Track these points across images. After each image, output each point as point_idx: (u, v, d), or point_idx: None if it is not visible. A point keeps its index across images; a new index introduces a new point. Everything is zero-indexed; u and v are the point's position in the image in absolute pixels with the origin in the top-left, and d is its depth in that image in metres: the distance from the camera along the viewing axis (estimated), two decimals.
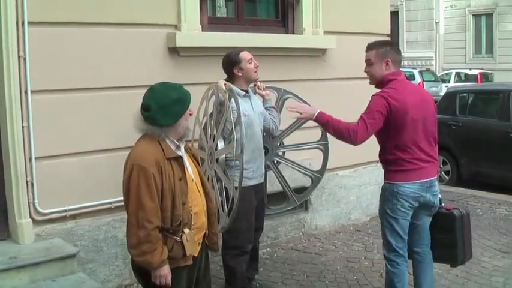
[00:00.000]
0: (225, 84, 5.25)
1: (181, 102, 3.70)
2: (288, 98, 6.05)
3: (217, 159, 5.27)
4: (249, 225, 5.38)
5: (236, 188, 5.02)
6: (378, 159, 7.84)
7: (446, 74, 28.71)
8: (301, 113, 4.82)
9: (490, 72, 27.62)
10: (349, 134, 4.58)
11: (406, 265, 4.82)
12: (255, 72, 5.42)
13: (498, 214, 8.30)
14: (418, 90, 4.95)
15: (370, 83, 4.94)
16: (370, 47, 4.86)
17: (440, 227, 4.83)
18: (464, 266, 6.02)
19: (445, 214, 4.84)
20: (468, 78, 26.50)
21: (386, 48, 4.80)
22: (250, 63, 5.36)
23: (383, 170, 4.88)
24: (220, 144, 5.28)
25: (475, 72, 26.94)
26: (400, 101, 4.55)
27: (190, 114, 3.83)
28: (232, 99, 5.13)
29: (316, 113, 4.71)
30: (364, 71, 4.92)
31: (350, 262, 6.51)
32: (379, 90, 4.76)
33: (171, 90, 3.70)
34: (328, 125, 4.72)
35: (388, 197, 4.70)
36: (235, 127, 5.06)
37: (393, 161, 4.68)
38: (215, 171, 5.26)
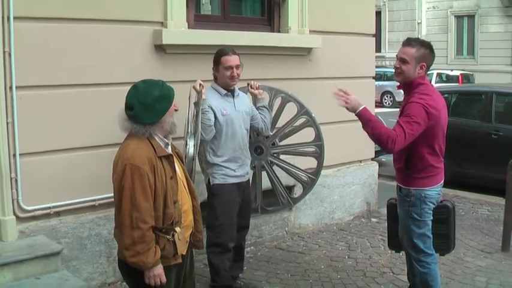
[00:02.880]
0: (200, 84, 5.24)
1: (164, 99, 3.66)
2: (282, 97, 6.06)
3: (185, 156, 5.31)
4: (231, 222, 5.39)
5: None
6: (360, 158, 8.02)
7: (428, 74, 28.78)
8: (346, 102, 4.63)
9: (471, 73, 27.77)
10: (387, 142, 4.43)
11: (436, 262, 4.89)
12: (230, 80, 5.34)
13: (480, 214, 8.36)
14: (440, 94, 4.86)
15: (396, 80, 4.85)
16: (410, 43, 4.70)
17: (436, 218, 4.86)
18: (448, 266, 6.10)
19: (440, 206, 4.88)
20: (449, 79, 26.60)
21: (426, 51, 4.68)
22: (227, 70, 5.29)
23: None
24: (190, 142, 5.28)
25: (457, 73, 27.06)
26: (437, 109, 4.56)
27: (176, 110, 3.79)
28: (203, 100, 5.17)
29: (360, 108, 4.55)
30: (395, 66, 4.75)
31: (334, 261, 6.52)
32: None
33: (154, 88, 3.65)
34: (368, 124, 4.52)
35: (414, 202, 4.72)
36: (196, 126, 5.14)
37: (421, 168, 4.66)
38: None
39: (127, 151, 3.57)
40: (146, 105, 3.58)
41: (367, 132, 4.58)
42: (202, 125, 5.12)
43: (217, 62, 5.34)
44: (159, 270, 3.58)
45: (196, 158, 5.22)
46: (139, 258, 3.51)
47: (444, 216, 4.91)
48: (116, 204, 3.59)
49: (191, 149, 5.17)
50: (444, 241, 4.97)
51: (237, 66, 5.32)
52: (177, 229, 3.69)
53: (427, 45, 4.72)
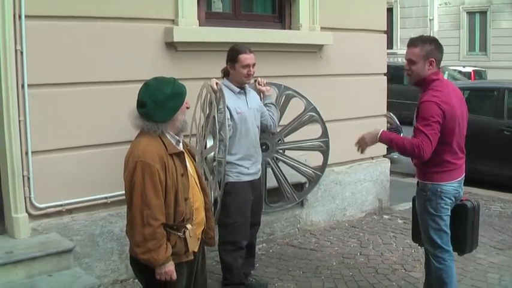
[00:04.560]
0: (216, 83, 5.25)
1: (176, 96, 3.66)
2: (289, 94, 6.04)
3: (205, 158, 5.27)
4: (245, 220, 5.38)
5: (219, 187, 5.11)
6: (372, 155, 8.00)
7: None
8: (366, 143, 4.76)
9: (483, 69, 27.59)
10: (414, 151, 4.47)
11: (453, 259, 4.85)
12: (246, 78, 5.34)
13: (493, 211, 8.32)
14: (456, 89, 4.86)
15: (409, 81, 4.89)
16: (414, 43, 4.72)
17: (454, 216, 4.85)
18: (460, 263, 6.05)
19: (459, 205, 4.88)
20: (462, 75, 26.49)
21: (431, 46, 4.69)
22: (244, 68, 5.28)
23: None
24: (209, 143, 5.28)
25: (469, 69, 26.86)
26: (450, 105, 4.55)
27: (187, 107, 3.79)
28: (222, 99, 5.13)
29: (379, 135, 4.67)
30: (405, 68, 4.78)
31: (345, 258, 6.52)
32: (421, 89, 4.74)
33: (166, 85, 3.65)
34: (392, 143, 4.67)
35: (430, 196, 4.72)
36: (220, 128, 5.07)
37: (436, 163, 4.63)
38: (204, 170, 5.27)
39: (138, 148, 3.58)
40: (158, 102, 3.58)
41: (394, 149, 4.73)
42: (222, 125, 5.11)
43: (234, 60, 5.31)
44: (170, 267, 3.58)
45: (225, 159, 5.14)
46: (151, 255, 3.51)
47: (461, 216, 4.90)
48: (127, 201, 3.60)
49: (212, 149, 5.20)
50: (459, 241, 4.93)
51: (253, 65, 5.33)
52: (188, 226, 3.69)
53: (431, 41, 4.76)
